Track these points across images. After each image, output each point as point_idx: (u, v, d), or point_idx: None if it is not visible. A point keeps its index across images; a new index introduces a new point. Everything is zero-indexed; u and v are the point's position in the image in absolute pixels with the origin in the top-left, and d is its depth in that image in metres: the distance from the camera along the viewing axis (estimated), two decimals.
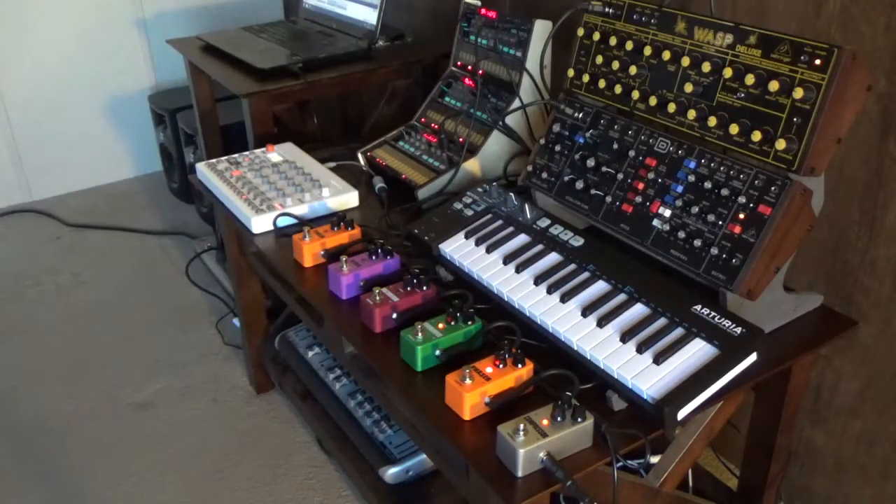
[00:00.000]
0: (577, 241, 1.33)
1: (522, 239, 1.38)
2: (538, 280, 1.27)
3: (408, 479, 1.57)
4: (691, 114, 1.25)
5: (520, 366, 1.10)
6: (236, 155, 1.84)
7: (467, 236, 1.41)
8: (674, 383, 1.05)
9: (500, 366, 1.10)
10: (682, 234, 1.22)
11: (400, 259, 1.38)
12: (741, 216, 1.16)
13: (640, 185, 1.30)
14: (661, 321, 1.15)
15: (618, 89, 1.36)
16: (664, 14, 1.29)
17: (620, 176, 1.33)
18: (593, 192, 1.36)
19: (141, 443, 1.98)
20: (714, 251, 1.18)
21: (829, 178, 1.26)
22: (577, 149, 1.41)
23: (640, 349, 1.11)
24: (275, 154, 1.86)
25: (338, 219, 1.48)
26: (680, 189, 1.25)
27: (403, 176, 1.72)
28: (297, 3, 2.61)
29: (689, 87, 1.25)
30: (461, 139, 1.73)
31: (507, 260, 1.33)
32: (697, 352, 1.09)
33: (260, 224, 1.58)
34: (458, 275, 1.38)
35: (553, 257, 1.32)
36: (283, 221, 1.58)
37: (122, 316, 2.47)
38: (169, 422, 2.05)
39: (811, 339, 1.27)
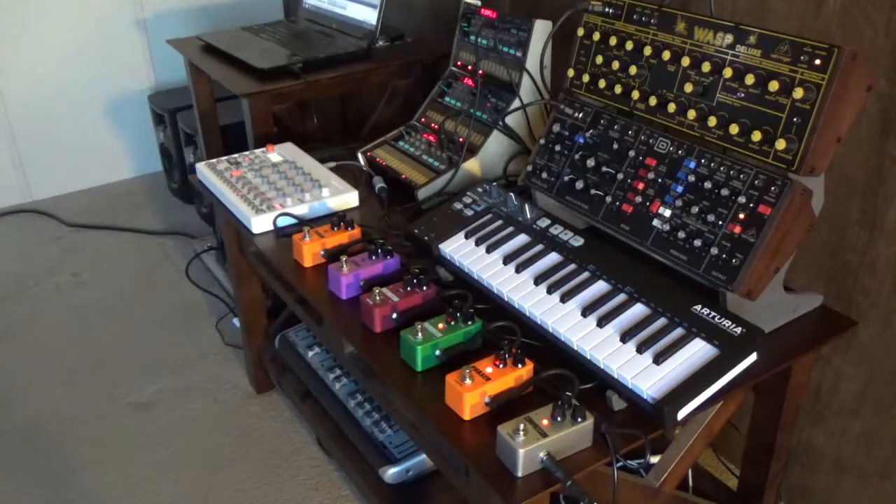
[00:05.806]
0: (577, 241, 1.33)
1: (522, 239, 1.38)
2: (538, 280, 1.27)
3: (408, 479, 1.57)
4: (691, 114, 1.25)
5: (520, 366, 1.10)
6: (236, 155, 1.84)
7: (467, 236, 1.41)
8: (674, 383, 1.05)
9: (500, 366, 1.10)
10: (682, 234, 1.22)
11: (400, 259, 1.38)
12: (741, 216, 1.16)
13: (640, 185, 1.30)
14: (661, 321, 1.15)
15: (618, 89, 1.36)
16: (664, 14, 1.29)
17: (620, 176, 1.33)
18: (593, 192, 1.36)
19: (141, 443, 1.98)
20: (714, 251, 1.18)
21: (829, 178, 1.25)
22: (577, 149, 1.41)
23: (640, 349, 1.11)
24: (275, 154, 1.86)
25: (338, 219, 1.48)
26: (680, 189, 1.25)
27: (403, 176, 1.72)
28: (297, 3, 2.61)
29: (689, 87, 1.25)
30: (461, 139, 1.73)
31: (507, 260, 1.33)
32: (697, 352, 1.09)
33: (260, 224, 1.58)
34: (458, 275, 1.38)
35: (553, 257, 1.32)
36: (283, 221, 1.58)
37: (122, 316, 2.47)
38: (169, 422, 2.05)
39: (811, 339, 1.27)
